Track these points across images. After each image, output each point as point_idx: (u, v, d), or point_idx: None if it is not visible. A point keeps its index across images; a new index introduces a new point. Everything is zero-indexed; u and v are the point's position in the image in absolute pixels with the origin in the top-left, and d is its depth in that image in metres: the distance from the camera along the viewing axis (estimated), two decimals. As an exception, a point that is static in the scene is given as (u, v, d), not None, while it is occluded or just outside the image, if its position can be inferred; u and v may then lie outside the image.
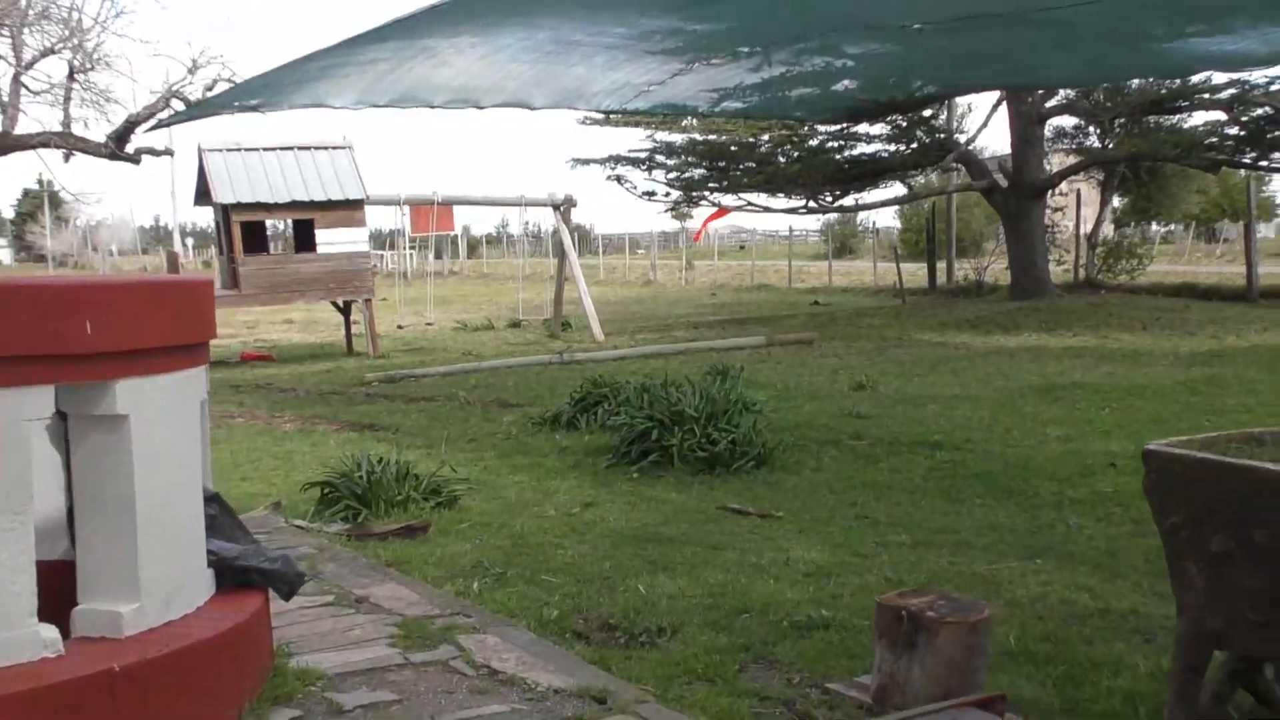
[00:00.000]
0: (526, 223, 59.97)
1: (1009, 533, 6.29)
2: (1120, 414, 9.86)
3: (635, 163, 23.73)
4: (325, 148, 18.31)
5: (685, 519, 6.76)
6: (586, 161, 24.32)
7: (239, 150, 17.65)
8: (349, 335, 19.26)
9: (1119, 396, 10.73)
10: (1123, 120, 22.55)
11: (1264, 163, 19.55)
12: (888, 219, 55.03)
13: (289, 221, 19.80)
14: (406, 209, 22.10)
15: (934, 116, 23.93)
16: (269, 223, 20.12)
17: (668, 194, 23.95)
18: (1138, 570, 5.31)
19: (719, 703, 3.83)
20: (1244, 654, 3.40)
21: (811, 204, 23.40)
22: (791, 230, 45.92)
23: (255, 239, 18.54)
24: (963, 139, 24.56)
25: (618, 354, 16.31)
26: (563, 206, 21.40)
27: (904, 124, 22.34)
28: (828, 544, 6.07)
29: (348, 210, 18.04)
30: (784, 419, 9.89)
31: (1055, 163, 26.39)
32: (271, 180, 17.58)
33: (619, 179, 23.58)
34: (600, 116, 22.55)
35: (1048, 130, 24.54)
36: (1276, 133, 18.28)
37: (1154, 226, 47.76)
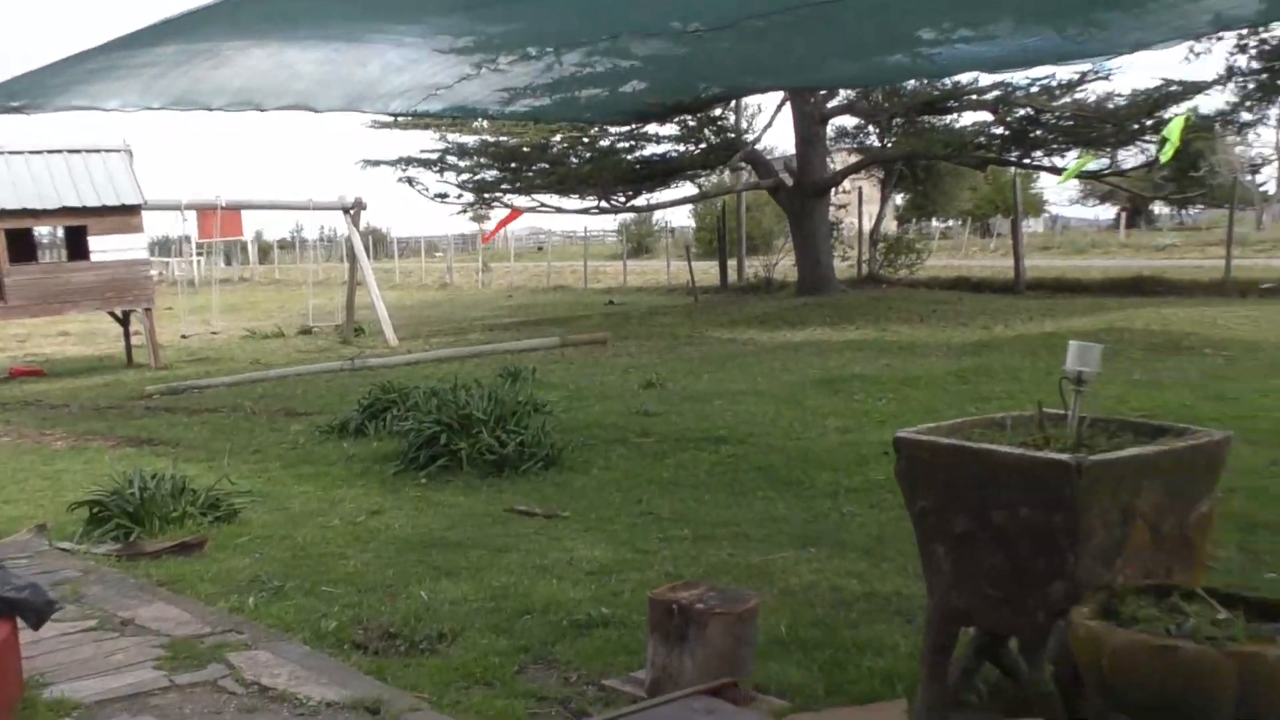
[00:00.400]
0: (321, 226, 58.69)
1: (786, 523, 6.48)
2: (896, 404, 10.25)
3: (427, 164, 23.49)
4: (98, 151, 17.48)
5: (472, 523, 6.74)
6: (377, 163, 23.94)
7: (1, 154, 16.72)
8: (129, 347, 18.48)
9: (895, 387, 11.15)
10: (899, 120, 23.43)
11: (1027, 160, 20.64)
12: (683, 218, 55.85)
13: (60, 229, 18.85)
14: (192, 214, 21.31)
15: (722, 117, 24.42)
16: (40, 230, 19.10)
17: (460, 196, 23.77)
18: (903, 554, 5.54)
19: (495, 705, 3.84)
20: (988, 630, 3.60)
21: (604, 204, 23.56)
22: (587, 231, 46.19)
23: (23, 248, 17.59)
24: (750, 139, 25.13)
25: (411, 359, 16.10)
26: (352, 209, 21.00)
27: (693, 124, 22.73)
28: (612, 542, 6.14)
29: (123, 216, 17.27)
30: (574, 419, 9.95)
31: (838, 161, 27.24)
32: (39, 185, 16.69)
33: (410, 181, 23.29)
34: (389, 119, 22.24)
35: (830, 130, 25.32)
36: (1037, 132, 19.33)
37: (934, 222, 49.85)
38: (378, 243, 58.27)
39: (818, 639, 4.41)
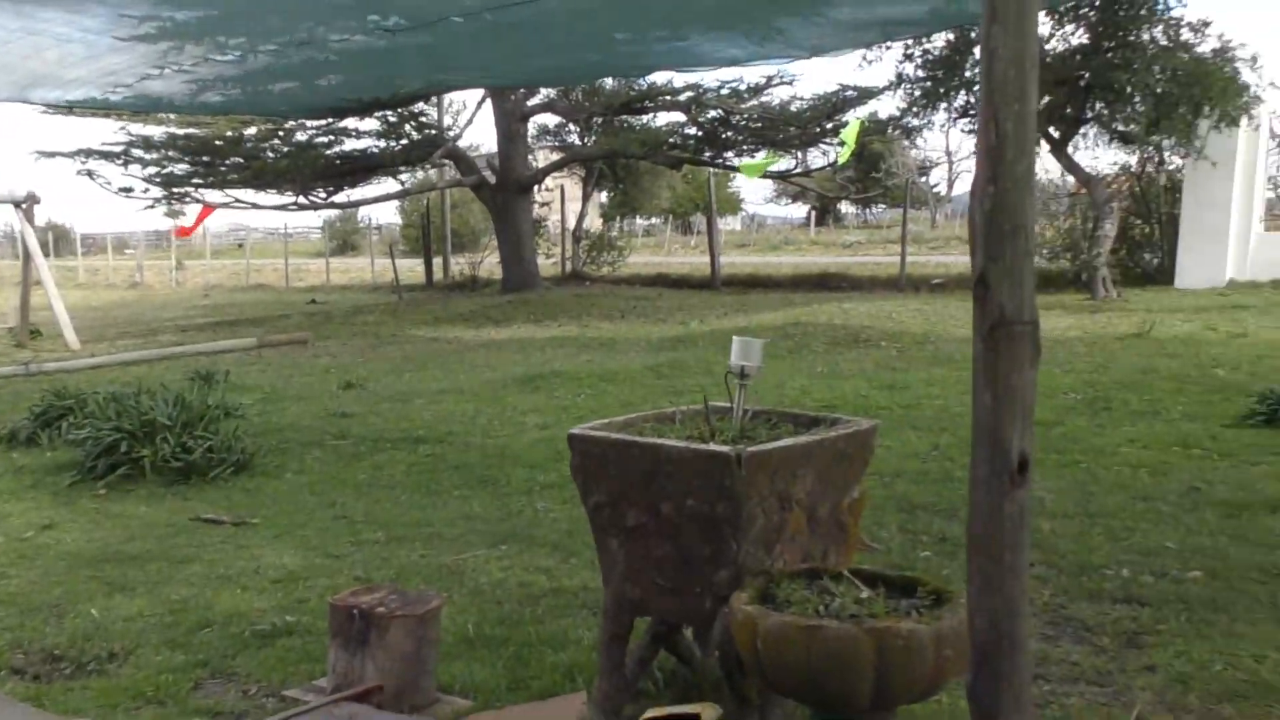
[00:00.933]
0: (-2, 223, 54.53)
1: (481, 521, 6.49)
2: (594, 399, 10.44)
3: (109, 157, 22.16)
4: None
5: (153, 534, 6.43)
6: (53, 155, 22.46)
7: None
8: None
9: (594, 383, 11.35)
10: (599, 119, 23.85)
11: (719, 160, 21.41)
12: (390, 215, 54.96)
13: None
14: None
15: (423, 113, 24.18)
16: None
17: (147, 190, 22.56)
18: (591, 548, 5.57)
19: (165, 725, 3.70)
20: (661, 618, 3.72)
21: (302, 200, 22.91)
22: (289, 228, 44.84)
23: None
24: (452, 136, 25.00)
25: (94, 362, 15.18)
26: (25, 204, 19.62)
27: (394, 120, 22.40)
28: (302, 548, 5.99)
29: None
30: (269, 422, 9.65)
31: (541, 159, 27.47)
32: None
33: (90, 174, 21.92)
34: (65, 107, 20.87)
35: (532, 128, 25.52)
36: (728, 134, 20.10)
37: (638, 220, 50.95)
38: (59, 239, 54.59)
39: (504, 636, 4.44)
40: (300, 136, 22.46)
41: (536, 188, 25.49)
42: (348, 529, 6.46)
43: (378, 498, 7.27)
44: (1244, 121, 17.94)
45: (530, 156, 25.71)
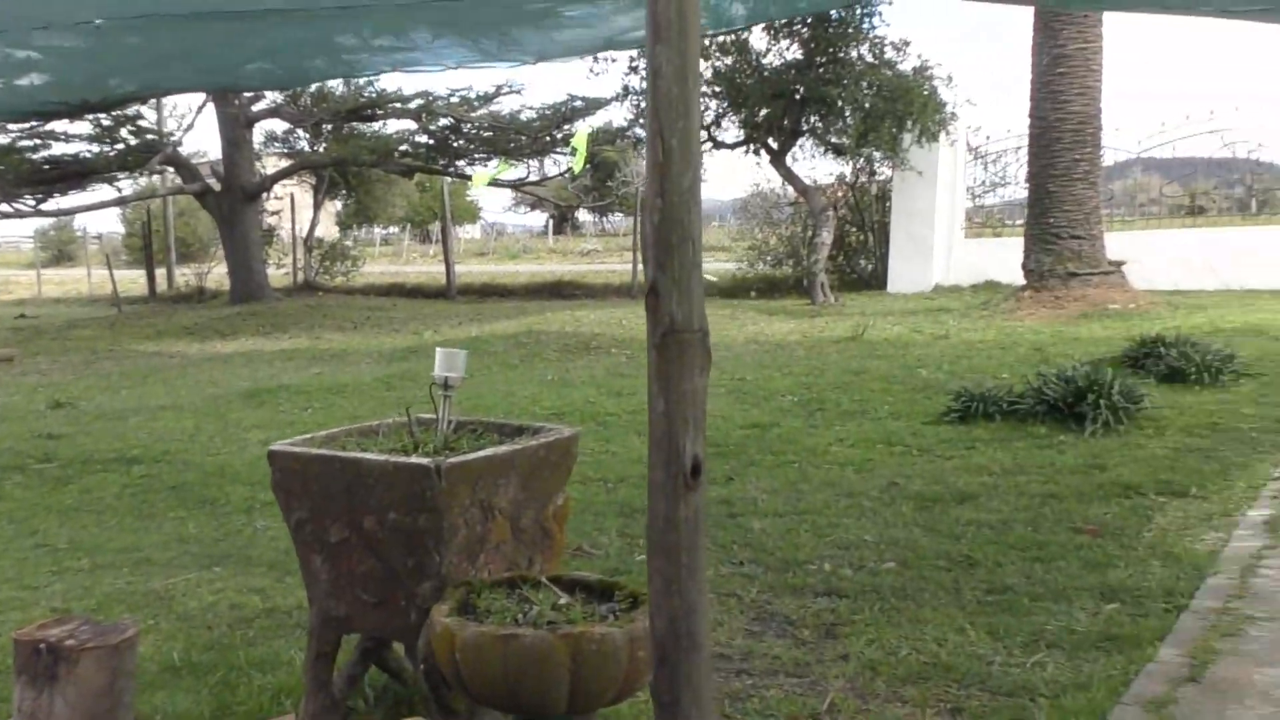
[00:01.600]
0: None
1: (196, 543, 6.25)
2: (322, 413, 10.19)
3: None
4: None
5: None
6: None
7: None
8: None
9: (322, 396, 11.10)
10: (328, 126, 23.34)
11: (451, 168, 21.30)
12: (114, 224, 52.14)
13: None
14: None
15: (140, 116, 23.06)
16: None
17: None
18: (309, 565, 5.54)
19: None
20: (369, 634, 3.67)
21: (5, 208, 21.47)
22: (-3, 237, 41.95)
23: None
24: (172, 141, 23.95)
25: None
26: None
27: (108, 123, 21.29)
28: (-6, 580, 5.63)
29: None
30: (-38, 448, 9.02)
31: (270, 166, 26.67)
32: None
33: None
34: None
35: (259, 134, 24.73)
36: (460, 142, 20.02)
37: (376, 229, 50.10)
38: None
39: (212, 662, 4.29)
40: (1, 139, 21.05)
41: (265, 195, 24.72)
42: (49, 558, 6.09)
43: (85, 523, 6.89)
44: (944, 136, 19.13)
45: (258, 163, 24.90)
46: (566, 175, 21.77)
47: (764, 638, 4.21)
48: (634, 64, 18.32)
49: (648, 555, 2.40)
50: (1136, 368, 9.55)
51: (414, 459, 3.38)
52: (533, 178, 22.15)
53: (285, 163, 25.92)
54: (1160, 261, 17.98)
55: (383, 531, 3.39)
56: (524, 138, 20.09)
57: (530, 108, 20.52)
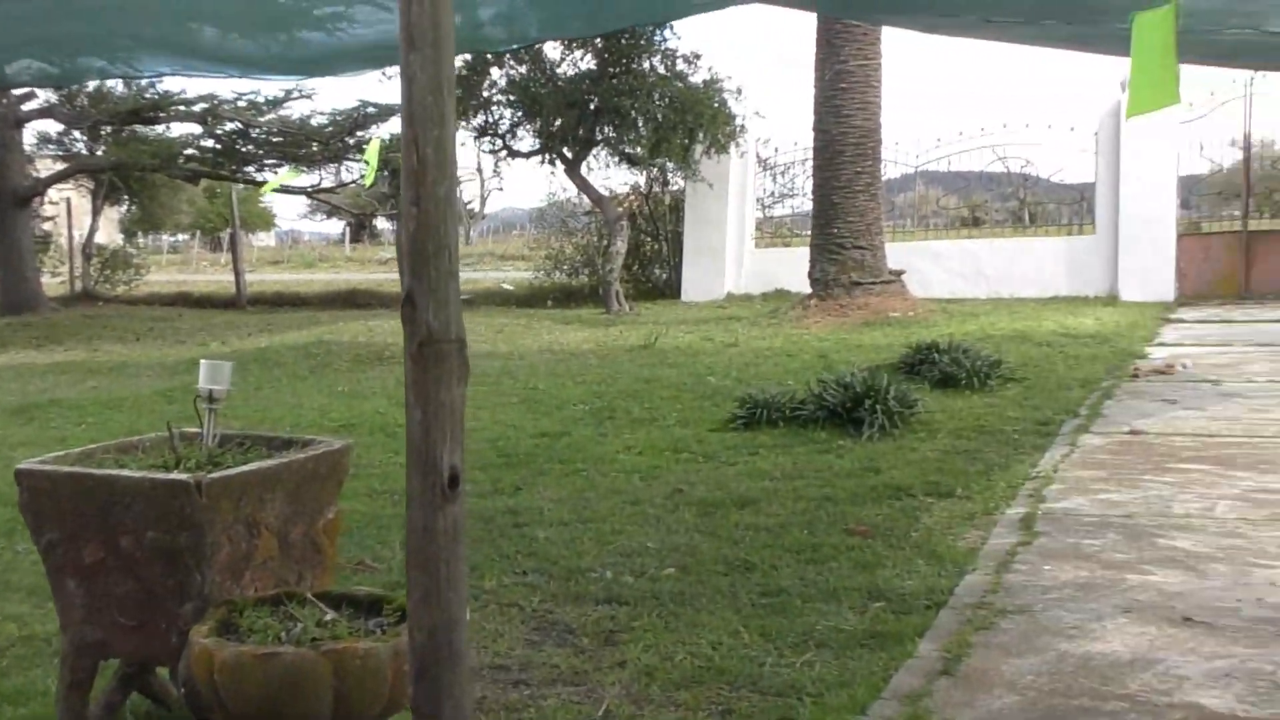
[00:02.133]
0: None
1: (-52, 569, 5.89)
2: (96, 429, 9.73)
3: None
4: None
5: None
6: None
7: None
8: None
9: (98, 411, 10.61)
10: (107, 128, 22.36)
11: (240, 174, 20.69)
12: None
13: None
14: None
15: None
16: None
17: None
18: (72, 588, 5.28)
19: None
20: (128, 659, 3.53)
21: None
22: None
23: None
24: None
25: None
26: None
27: None
28: None
29: None
30: None
31: (45, 169, 25.37)
32: None
33: None
34: None
35: (32, 135, 23.51)
36: (248, 147, 19.47)
37: (164, 237, 48.21)
38: None
39: (-41, 695, 4.04)
40: None
41: (39, 200, 23.50)
42: None
43: None
44: (733, 148, 19.59)
45: (30, 166, 23.66)
46: (360, 183, 21.40)
47: (543, 647, 4.21)
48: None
49: (406, 567, 2.38)
50: (912, 373, 9.95)
51: (173, 475, 3.26)
52: (326, 184, 21.71)
53: (60, 166, 24.70)
54: (939, 271, 18.80)
55: (141, 551, 3.26)
56: (315, 144, 19.67)
57: (321, 113, 20.16)
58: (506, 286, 24.20)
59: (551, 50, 18.78)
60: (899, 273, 16.07)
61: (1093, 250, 18.63)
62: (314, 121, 19.86)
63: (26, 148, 23.14)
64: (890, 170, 20.62)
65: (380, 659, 2.79)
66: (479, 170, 58.23)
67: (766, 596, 4.60)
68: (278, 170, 20.65)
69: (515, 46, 14.85)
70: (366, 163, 11.38)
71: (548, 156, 19.65)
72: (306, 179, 20.46)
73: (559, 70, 18.86)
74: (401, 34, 2.29)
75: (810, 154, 16.75)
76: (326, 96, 72.58)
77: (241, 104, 18.81)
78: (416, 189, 2.30)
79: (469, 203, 59.18)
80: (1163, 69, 4.15)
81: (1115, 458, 6.94)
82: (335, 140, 19.29)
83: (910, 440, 7.67)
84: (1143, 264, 17.94)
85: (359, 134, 18.81)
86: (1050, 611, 4.25)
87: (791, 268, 18.26)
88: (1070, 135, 19.18)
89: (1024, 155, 20.46)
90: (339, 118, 19.41)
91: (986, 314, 15.74)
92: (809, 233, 16.77)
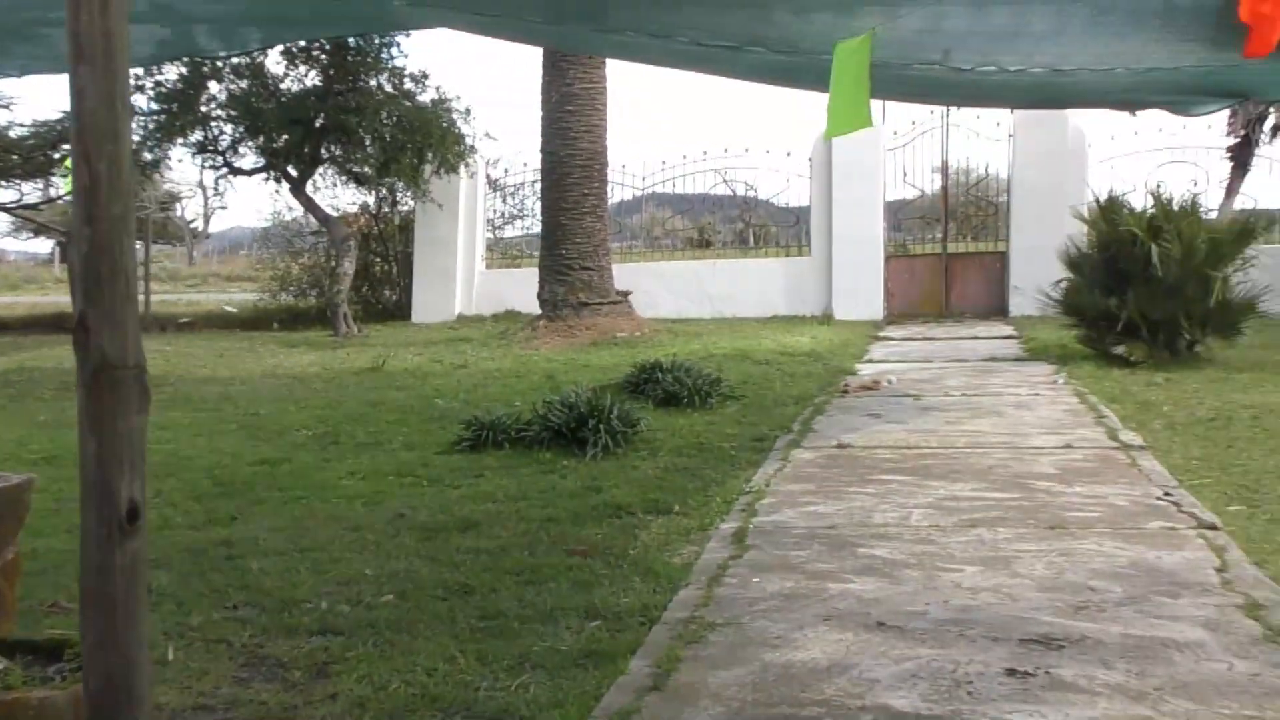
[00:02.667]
0: None
1: None
2: None
3: None
4: None
5: None
6: None
7: None
8: None
9: None
10: None
11: None
12: None
13: None
14: None
15: None
16: None
17: None
18: None
19: None
20: None
21: None
22: None
23: None
24: None
25: None
26: None
27: None
28: None
29: None
30: None
31: None
32: None
33: None
34: None
35: None
36: None
37: None
38: None
39: None
40: None
41: None
42: None
43: None
44: (463, 168, 19.54)
45: None
46: (67, 199, 20.19)
47: (252, 684, 4.05)
48: (139, 83, 17.32)
49: (80, 609, 2.25)
50: (637, 393, 10.13)
51: None
52: (31, 200, 20.39)
53: None
54: (665, 291, 19.27)
55: None
56: (15, 156, 18.44)
57: (22, 124, 18.89)
58: (229, 309, 23.31)
59: (274, 65, 18.27)
60: (626, 293, 16.36)
61: (809, 271, 19.49)
62: (13, 133, 18.60)
63: None
64: (620, 193, 21.07)
65: (58, 708, 2.63)
66: (201, 187, 56.04)
67: (485, 620, 4.58)
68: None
69: (236, 52, 14.38)
70: (67, 174, 10.77)
71: (272, 174, 19.08)
72: (6, 194, 19.18)
73: (283, 86, 18.35)
74: (69, 44, 2.18)
75: (539, 175, 16.87)
76: (28, 107, 67.54)
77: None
78: (89, 208, 2.19)
79: (191, 221, 56.81)
80: (857, 94, 4.39)
81: (824, 471, 7.25)
82: (37, 153, 18.15)
83: (633, 459, 7.80)
84: (854, 285, 18.90)
85: (62, 147, 17.75)
86: (757, 623, 4.39)
87: (522, 289, 18.33)
88: (787, 160, 20.03)
89: (748, 179, 21.20)
90: (41, 129, 18.28)
91: (710, 333, 16.21)
92: (539, 254, 16.88)
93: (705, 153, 20.73)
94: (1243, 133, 18.56)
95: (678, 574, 5.09)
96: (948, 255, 19.80)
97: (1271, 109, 18.25)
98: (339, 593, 5.03)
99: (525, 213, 22.25)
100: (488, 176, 21.90)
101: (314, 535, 6.08)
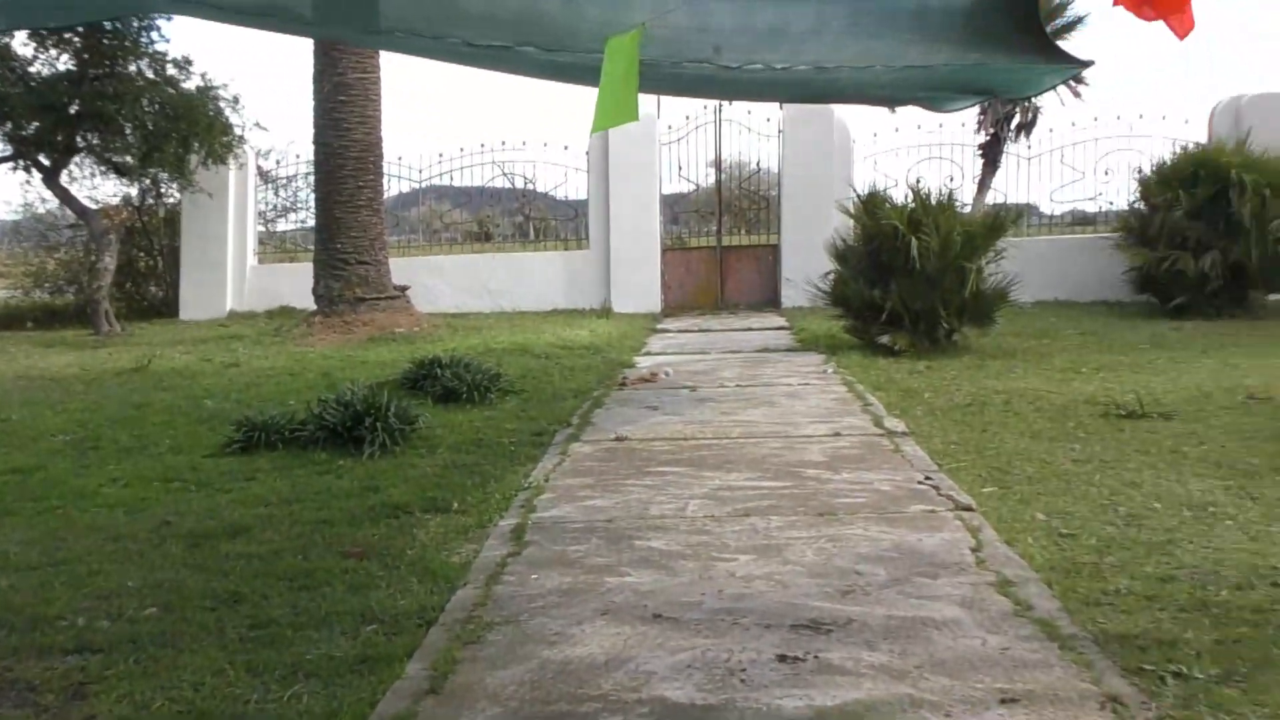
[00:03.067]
0: None
1: None
2: None
3: None
4: None
5: None
6: None
7: None
8: None
9: None
10: None
11: None
12: None
13: None
14: None
15: None
16: None
17: None
18: None
19: None
20: None
21: None
22: None
23: None
24: None
25: None
26: None
27: None
28: None
29: None
30: None
31: None
32: None
33: None
34: None
35: None
36: None
37: None
38: None
39: None
40: None
41: None
42: None
43: None
44: (233, 159, 18.90)
45: None
46: None
47: (0, 709, 3.84)
48: None
49: None
50: (416, 389, 10.01)
51: None
52: None
53: None
54: (445, 286, 19.09)
55: None
56: None
57: None
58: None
59: (22, 47, 17.23)
60: (404, 288, 16.14)
61: (588, 265, 19.61)
62: None
63: None
64: (398, 185, 20.77)
65: None
66: (-57, 176, 52.47)
67: (256, 629, 4.45)
68: None
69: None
70: None
71: (21, 164, 18.00)
72: None
73: (31, 69, 17.33)
74: None
75: (313, 167, 16.43)
76: None
77: None
78: None
79: (-67, 212, 53.13)
80: (626, 88, 4.44)
81: (602, 464, 7.32)
82: None
83: (411, 457, 7.71)
84: (633, 278, 19.13)
85: None
86: (535, 620, 4.40)
87: (297, 284, 17.84)
88: (565, 153, 20.10)
89: (527, 172, 21.15)
90: None
91: (490, 328, 16.15)
92: (314, 248, 16.47)
93: (483, 145, 20.60)
94: (992, 131, 19.57)
95: (456, 573, 5.06)
96: (722, 248, 20.23)
97: (1017, 108, 19.32)
98: (98, 608, 4.81)
99: (299, 205, 21.67)
100: (259, 168, 21.24)
101: (71, 547, 5.79)
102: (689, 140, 19.87)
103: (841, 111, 19.13)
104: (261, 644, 4.29)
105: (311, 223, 17.18)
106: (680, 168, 20.07)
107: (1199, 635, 4.11)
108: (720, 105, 19.25)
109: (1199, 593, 4.57)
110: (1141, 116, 18.98)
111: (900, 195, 13.66)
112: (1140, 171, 17.61)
